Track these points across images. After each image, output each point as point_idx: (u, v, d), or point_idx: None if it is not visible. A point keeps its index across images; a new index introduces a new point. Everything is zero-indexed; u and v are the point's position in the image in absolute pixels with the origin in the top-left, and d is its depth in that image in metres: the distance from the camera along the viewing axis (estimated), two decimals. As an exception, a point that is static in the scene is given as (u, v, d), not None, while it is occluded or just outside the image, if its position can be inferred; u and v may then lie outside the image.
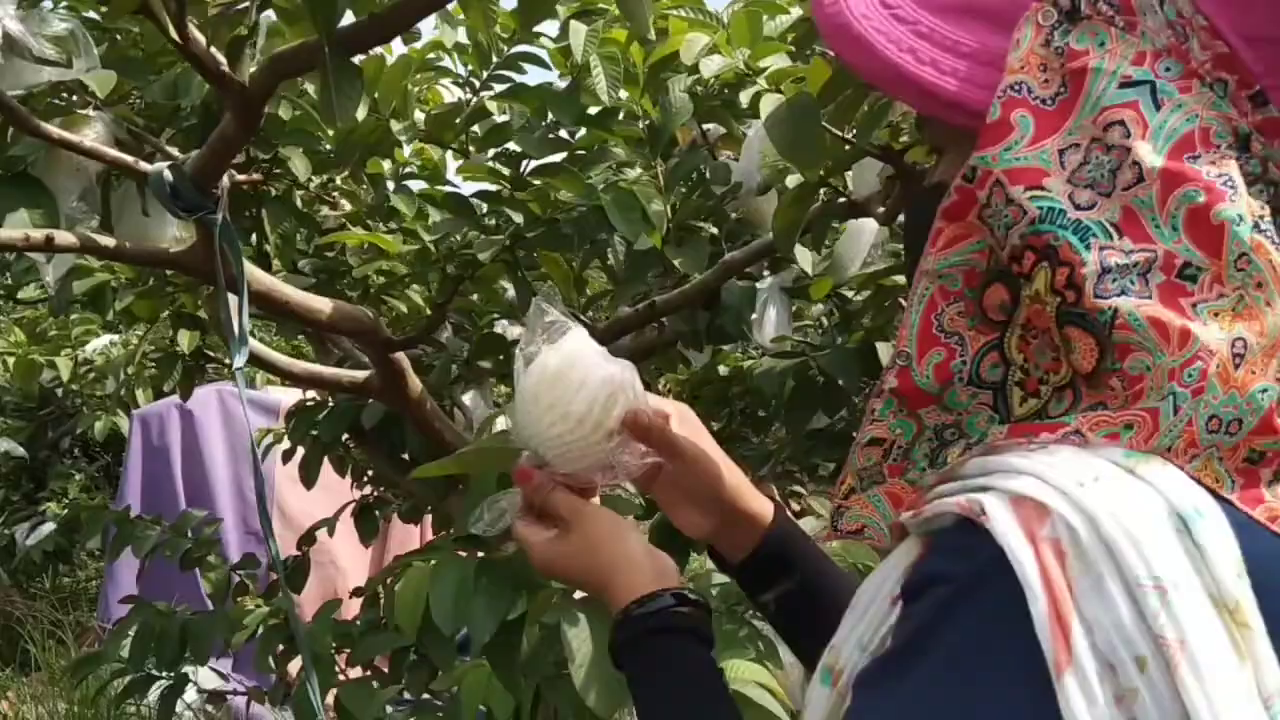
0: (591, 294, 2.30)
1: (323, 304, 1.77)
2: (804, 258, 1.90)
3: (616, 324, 1.98)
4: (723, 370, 3.46)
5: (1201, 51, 0.64)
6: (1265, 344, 0.62)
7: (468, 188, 2.15)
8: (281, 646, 2.21)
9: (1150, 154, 0.63)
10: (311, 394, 2.57)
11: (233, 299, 1.62)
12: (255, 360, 2.04)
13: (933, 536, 0.66)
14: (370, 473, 2.79)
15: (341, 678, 2.10)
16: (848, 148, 1.59)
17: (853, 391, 1.92)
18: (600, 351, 0.92)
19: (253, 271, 1.67)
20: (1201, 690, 0.56)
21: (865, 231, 1.95)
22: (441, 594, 1.36)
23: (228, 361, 3.03)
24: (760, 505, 0.97)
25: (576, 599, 1.46)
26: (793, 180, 1.83)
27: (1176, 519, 0.59)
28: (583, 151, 1.94)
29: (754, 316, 1.96)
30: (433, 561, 1.39)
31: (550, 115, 1.83)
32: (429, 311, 2.70)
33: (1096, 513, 0.59)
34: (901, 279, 1.95)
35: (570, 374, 0.89)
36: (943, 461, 0.73)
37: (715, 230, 1.96)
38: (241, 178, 1.73)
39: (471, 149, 2.16)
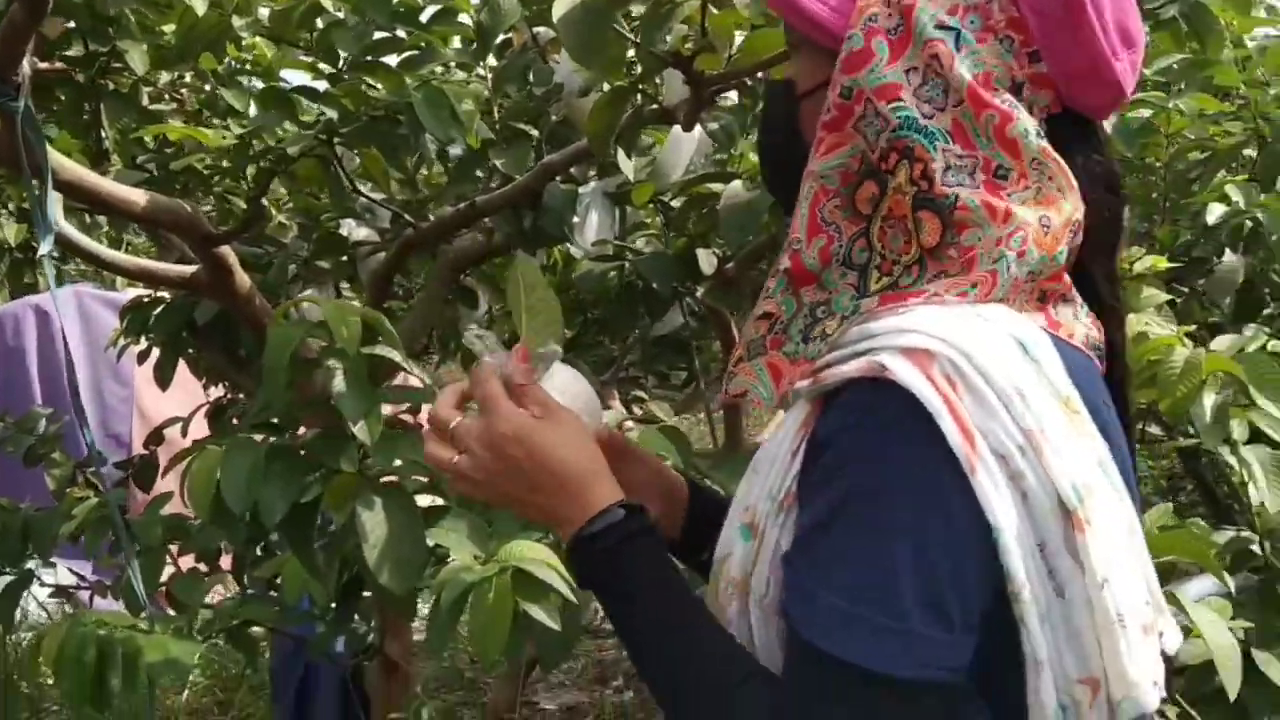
0: (424, 196, 2.32)
1: (137, 195, 1.77)
2: (625, 163, 1.95)
3: (439, 224, 2.01)
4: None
5: (1000, 12, 0.84)
6: (1061, 220, 0.83)
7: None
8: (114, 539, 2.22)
9: (958, 80, 0.82)
10: (150, 291, 2.56)
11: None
12: (75, 251, 2.03)
13: (825, 399, 0.81)
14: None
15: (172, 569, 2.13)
16: (632, 52, 1.63)
17: (668, 296, 1.98)
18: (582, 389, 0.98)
19: (61, 161, 1.67)
20: (1059, 461, 0.76)
21: (687, 140, 2.00)
22: (233, 476, 1.40)
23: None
24: (677, 478, 1.08)
25: (372, 484, 1.52)
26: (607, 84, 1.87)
27: (1017, 344, 0.79)
28: (414, 52, 1.95)
29: (575, 220, 2.01)
30: (225, 446, 1.43)
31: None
32: (273, 211, 2.70)
33: (968, 348, 0.77)
34: (718, 186, 2.01)
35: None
36: (817, 336, 0.88)
37: (536, 133, 1.99)
38: (44, 65, 1.71)
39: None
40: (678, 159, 1.95)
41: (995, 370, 0.77)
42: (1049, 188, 0.83)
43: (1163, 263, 1.85)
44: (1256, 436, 1.40)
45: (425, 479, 1.62)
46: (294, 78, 2.34)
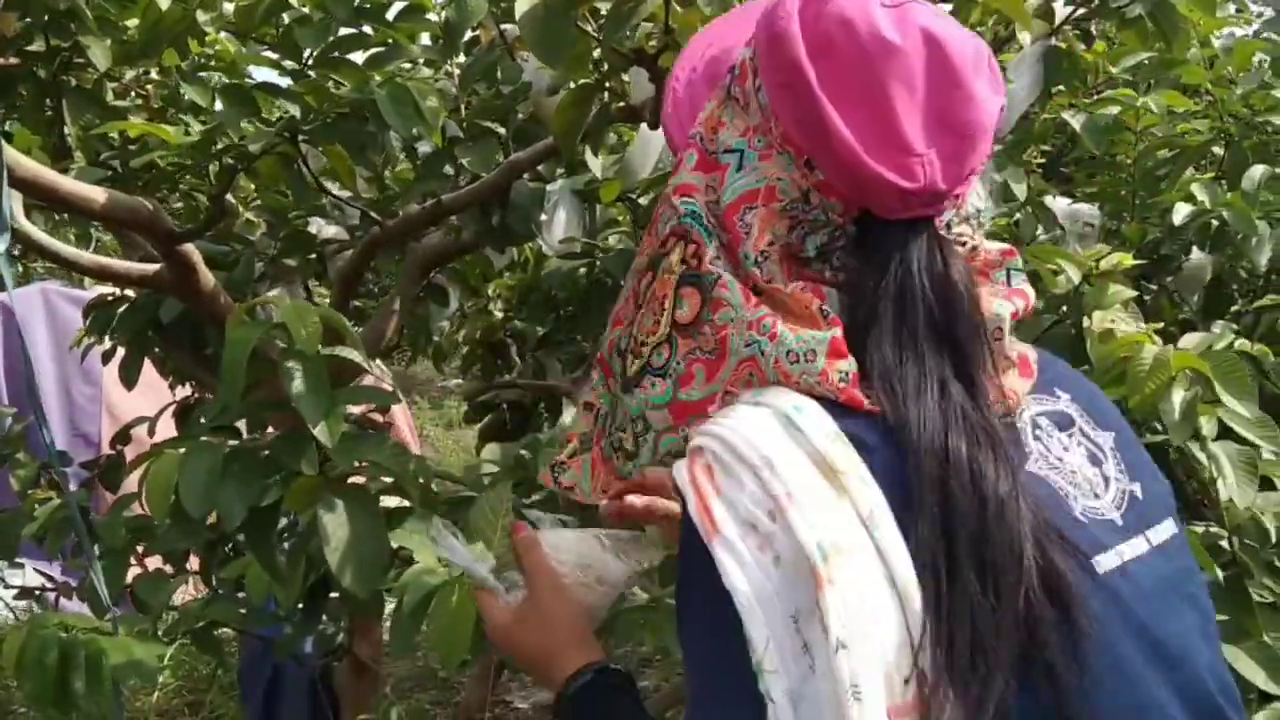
0: (391, 194, 2.31)
1: (96, 193, 1.74)
2: (592, 161, 1.94)
3: (405, 221, 1.99)
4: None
5: (777, 129, 0.88)
6: (802, 316, 0.86)
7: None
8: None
9: (720, 204, 0.89)
10: (116, 290, 2.53)
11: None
12: (34, 248, 2.00)
13: None
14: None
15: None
16: (596, 49, 1.62)
17: (633, 291, 1.97)
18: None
19: (17, 158, 1.64)
20: (805, 522, 0.76)
21: (655, 138, 1.99)
22: (191, 480, 1.39)
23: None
24: None
25: (333, 486, 1.50)
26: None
27: (782, 417, 0.81)
28: (380, 49, 1.93)
29: (543, 218, 2.00)
30: (183, 449, 1.41)
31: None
32: (240, 209, 2.68)
33: (722, 433, 0.81)
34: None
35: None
36: (620, 448, 0.96)
37: (503, 130, 1.98)
38: (2, 61, 1.69)
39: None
40: (646, 157, 1.94)
41: (744, 446, 0.80)
42: (780, 297, 0.88)
43: (1128, 260, 1.85)
44: (1225, 433, 1.40)
45: (389, 480, 1.61)
46: (260, 74, 2.32)
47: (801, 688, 0.75)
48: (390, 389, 1.54)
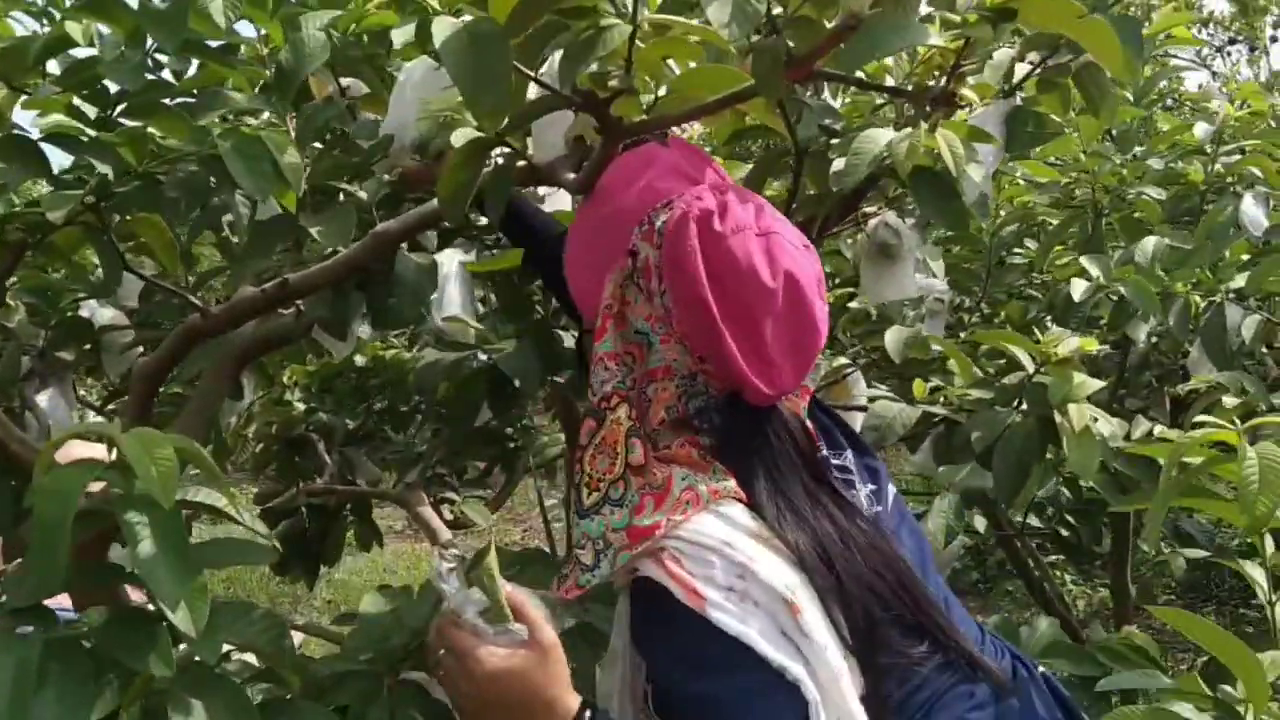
0: (202, 271, 1.88)
1: None
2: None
3: (237, 307, 1.58)
4: (359, 360, 3.08)
5: (676, 325, 1.16)
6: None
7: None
8: None
9: (639, 375, 1.20)
10: None
11: None
12: None
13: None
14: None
15: None
16: (532, 92, 1.30)
17: (532, 394, 1.63)
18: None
19: None
20: (770, 574, 1.08)
21: (565, 202, 1.67)
22: (-11, 693, 0.94)
23: None
24: None
25: (189, 677, 1.08)
26: (460, 136, 1.52)
27: (715, 512, 1.11)
28: (191, 98, 1.52)
29: (433, 296, 1.63)
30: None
31: (150, 41, 1.41)
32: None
33: (682, 533, 1.10)
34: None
35: None
36: (580, 549, 1.16)
37: (363, 195, 1.60)
38: None
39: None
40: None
41: (703, 536, 1.09)
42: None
43: (1093, 344, 1.66)
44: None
45: (256, 664, 1.20)
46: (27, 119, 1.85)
47: (808, 677, 1.06)
48: (266, 541, 1.13)
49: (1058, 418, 1.57)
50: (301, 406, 3.02)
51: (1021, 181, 2.67)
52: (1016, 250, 2.96)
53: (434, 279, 1.59)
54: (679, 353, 1.16)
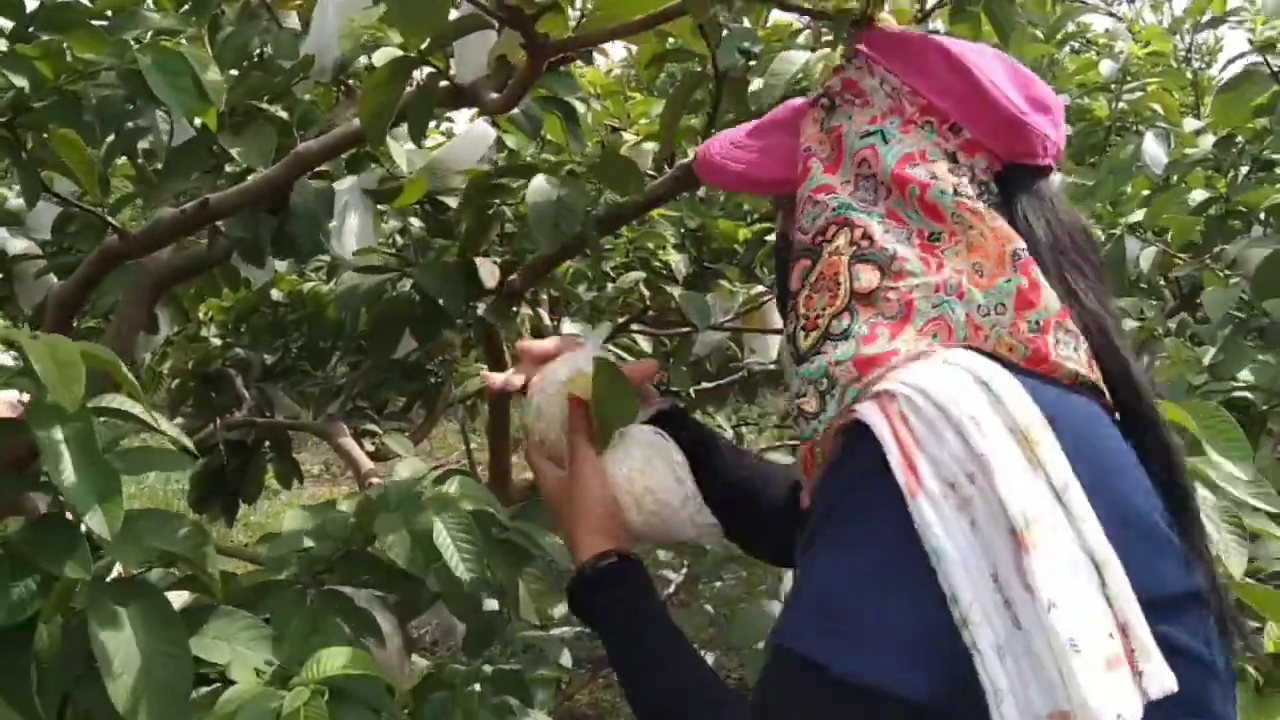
0: (119, 195, 1.85)
1: None
2: (398, 153, 1.59)
3: (156, 229, 1.57)
4: (276, 295, 3.05)
5: (910, 107, 0.98)
6: (991, 259, 0.91)
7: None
8: None
9: (884, 170, 0.96)
10: None
11: None
12: None
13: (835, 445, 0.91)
14: None
15: None
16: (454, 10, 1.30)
17: (456, 313, 1.64)
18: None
19: None
20: (1009, 488, 0.79)
21: (483, 130, 1.67)
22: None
23: None
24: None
25: (111, 585, 1.09)
26: (382, 56, 1.52)
27: (979, 382, 0.84)
28: (106, 20, 1.49)
29: (333, 224, 1.62)
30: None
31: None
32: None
33: (925, 385, 0.84)
34: (515, 182, 1.69)
35: (656, 463, 1.13)
36: (801, 416, 0.98)
37: (285, 115, 1.59)
38: None
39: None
40: (471, 150, 1.62)
41: (950, 403, 0.82)
42: (975, 236, 0.92)
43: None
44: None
45: (178, 571, 1.21)
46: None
47: (1008, 643, 0.78)
48: (189, 450, 1.14)
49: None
50: (218, 342, 2.99)
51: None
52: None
53: (331, 206, 1.59)
54: (924, 137, 0.96)
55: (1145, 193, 2.48)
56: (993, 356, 0.88)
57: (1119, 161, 2.47)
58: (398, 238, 2.26)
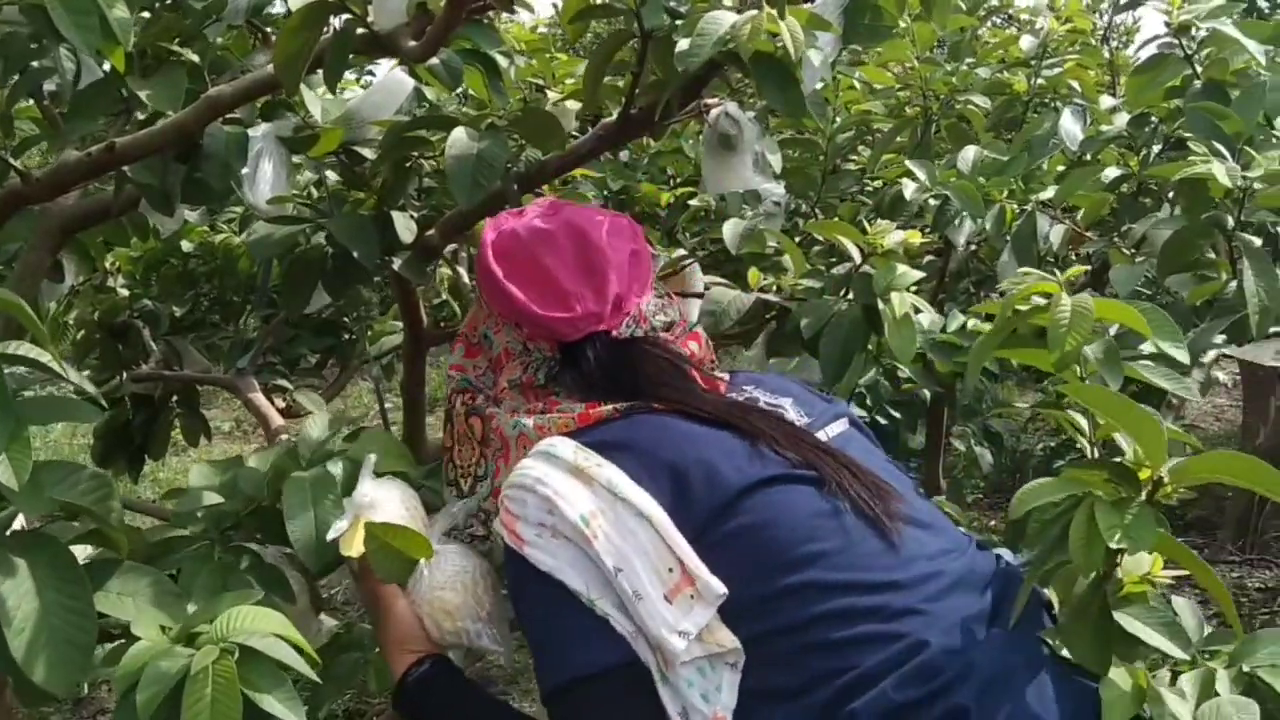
0: (23, 138, 1.79)
1: None
2: (313, 102, 1.56)
3: (61, 171, 1.51)
4: (187, 246, 2.97)
5: (495, 315, 1.38)
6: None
7: None
8: None
9: (494, 356, 1.40)
10: None
11: None
12: None
13: None
14: None
15: None
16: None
17: (370, 266, 1.61)
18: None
19: None
20: (568, 506, 1.13)
21: (401, 79, 1.64)
22: None
23: None
24: None
25: (11, 536, 1.06)
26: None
27: (542, 455, 1.20)
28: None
29: (245, 171, 1.58)
30: None
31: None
32: None
33: (511, 479, 1.19)
34: (434, 134, 1.66)
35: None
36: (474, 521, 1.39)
37: (196, 59, 1.54)
38: None
39: None
40: (389, 99, 1.58)
41: (524, 480, 1.17)
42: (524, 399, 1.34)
43: (917, 236, 1.73)
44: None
45: (78, 524, 1.18)
46: None
47: (618, 602, 1.11)
48: (94, 399, 1.11)
49: (881, 306, 1.65)
50: (125, 293, 2.91)
51: (858, 85, 2.73)
52: (851, 157, 3.04)
53: (244, 153, 1.54)
54: (507, 333, 1.35)
55: (1061, 169, 2.52)
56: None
57: (1035, 137, 2.50)
58: (314, 189, 2.21)
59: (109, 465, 2.95)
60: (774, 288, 1.91)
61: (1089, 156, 2.50)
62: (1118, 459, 1.13)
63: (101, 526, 1.14)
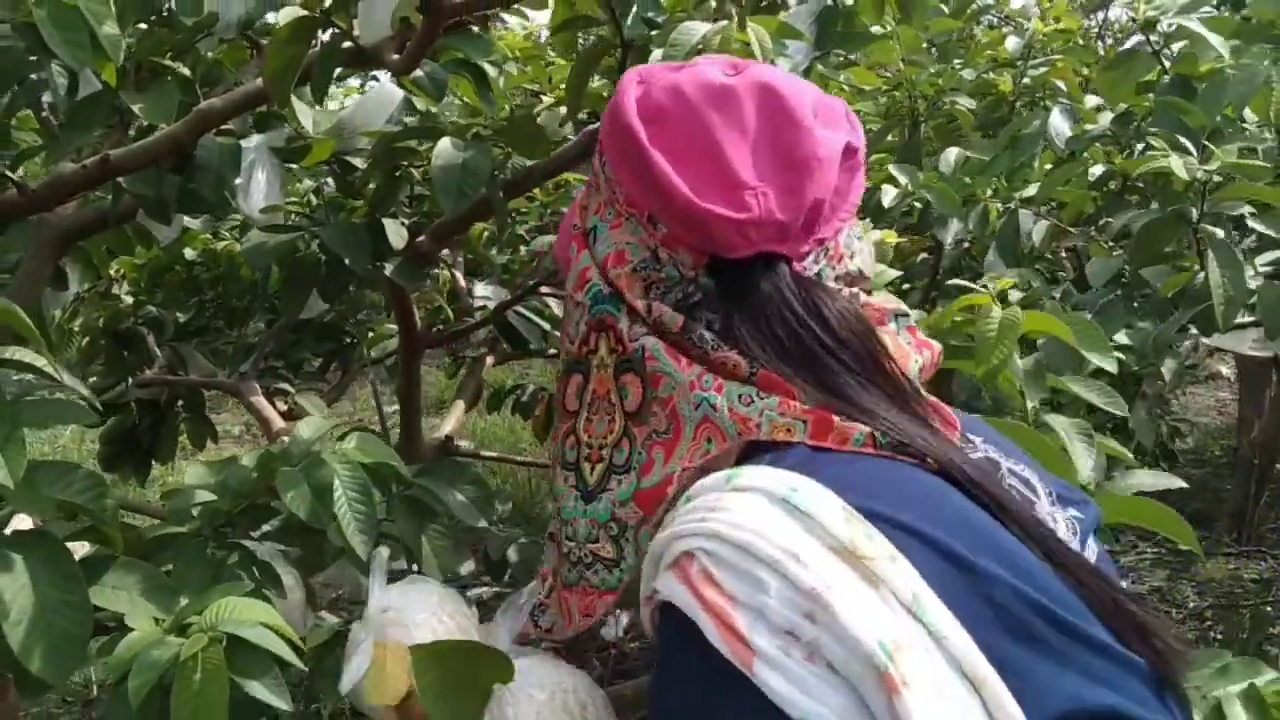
0: (22, 149, 1.84)
1: None
2: (304, 113, 1.60)
3: (57, 184, 1.56)
4: (190, 254, 3.03)
5: (619, 198, 0.91)
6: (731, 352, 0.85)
7: None
8: None
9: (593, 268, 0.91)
10: None
11: None
12: None
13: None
14: None
15: None
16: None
17: (361, 272, 1.66)
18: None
19: None
20: (856, 617, 0.66)
21: (389, 90, 1.68)
22: None
23: None
24: None
25: (9, 534, 1.11)
26: (286, 14, 1.53)
27: (780, 501, 0.71)
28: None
29: (239, 181, 1.63)
30: None
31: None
32: None
33: (718, 530, 0.70)
34: (422, 144, 1.70)
35: None
36: (573, 561, 0.90)
37: (188, 73, 1.59)
38: None
39: None
40: (379, 110, 1.63)
41: (753, 539, 0.69)
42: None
43: (893, 237, 1.77)
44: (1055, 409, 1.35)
45: (74, 521, 1.23)
46: None
47: None
48: (90, 403, 1.15)
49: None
50: (130, 300, 2.97)
51: (846, 88, 2.77)
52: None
53: (237, 163, 1.59)
54: (630, 231, 0.89)
55: (1049, 167, 2.56)
56: (773, 445, 0.78)
57: (1021, 136, 2.54)
58: (312, 197, 2.26)
59: (116, 470, 3.01)
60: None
61: (1075, 154, 2.54)
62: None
63: (97, 524, 1.19)
